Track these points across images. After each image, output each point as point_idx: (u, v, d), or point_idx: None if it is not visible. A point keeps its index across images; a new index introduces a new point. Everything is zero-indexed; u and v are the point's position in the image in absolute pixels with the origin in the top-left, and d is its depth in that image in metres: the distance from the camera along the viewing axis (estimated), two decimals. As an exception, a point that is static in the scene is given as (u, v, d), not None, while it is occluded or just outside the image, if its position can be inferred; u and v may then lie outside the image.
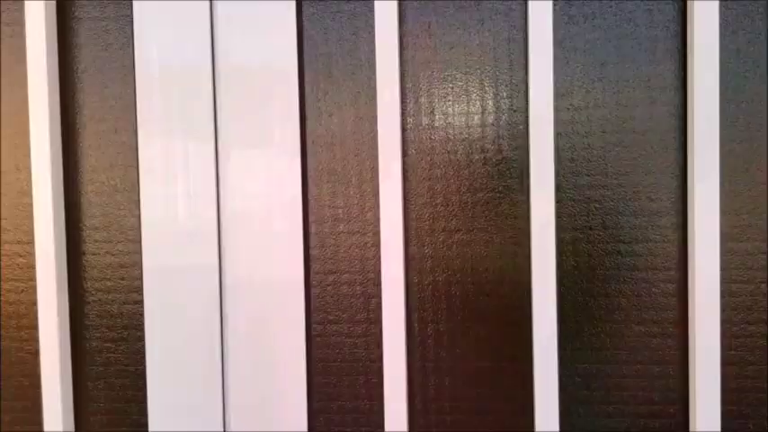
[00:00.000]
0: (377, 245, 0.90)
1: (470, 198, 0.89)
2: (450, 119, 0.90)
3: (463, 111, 0.89)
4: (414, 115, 0.90)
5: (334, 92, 0.91)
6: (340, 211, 0.91)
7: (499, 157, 0.89)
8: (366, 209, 0.91)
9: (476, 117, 0.89)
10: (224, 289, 0.90)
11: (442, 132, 0.90)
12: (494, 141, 0.89)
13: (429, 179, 0.90)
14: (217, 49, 0.90)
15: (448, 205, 0.90)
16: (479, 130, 0.89)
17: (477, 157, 0.89)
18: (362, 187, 0.91)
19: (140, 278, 0.93)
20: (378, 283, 0.91)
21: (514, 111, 0.89)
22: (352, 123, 0.91)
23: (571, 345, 0.88)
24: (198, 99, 0.89)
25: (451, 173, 0.90)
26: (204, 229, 0.89)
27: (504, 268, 0.89)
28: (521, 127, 0.89)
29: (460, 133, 0.90)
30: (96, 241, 0.95)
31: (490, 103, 0.89)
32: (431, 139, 0.90)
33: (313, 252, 0.92)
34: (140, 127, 0.91)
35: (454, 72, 0.90)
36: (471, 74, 0.89)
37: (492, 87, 0.89)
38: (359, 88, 0.91)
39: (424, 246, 0.90)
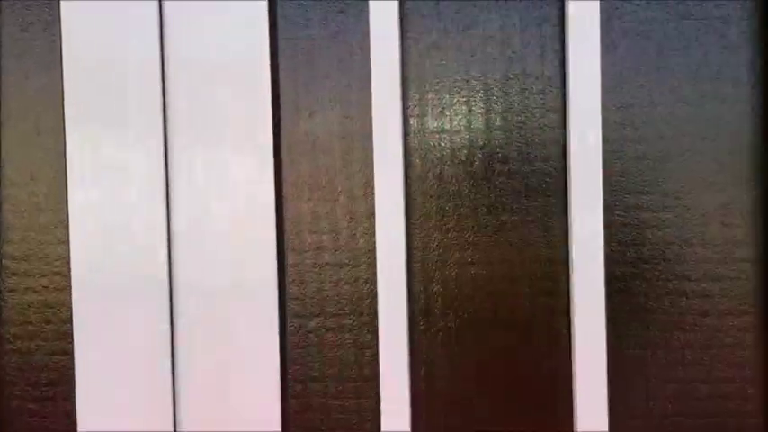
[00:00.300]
0: (372, 280, 0.71)
1: (491, 221, 0.70)
2: (464, 120, 0.70)
3: (481, 109, 0.70)
4: (418, 115, 0.71)
5: (317, 85, 0.71)
6: (325, 237, 0.72)
7: (528, 168, 0.70)
8: (358, 234, 0.71)
9: (498, 118, 0.70)
10: (176, 334, 0.70)
11: (454, 137, 0.71)
12: (521, 149, 0.70)
13: (438, 197, 0.71)
14: (166, 27, 0.69)
15: (462, 230, 0.71)
16: (502, 134, 0.70)
17: (499, 169, 0.70)
18: (353, 207, 0.71)
19: (70, 321, 0.73)
20: (374, 330, 0.71)
21: (547, 110, 0.70)
22: (339, 125, 0.71)
23: (624, 411, 0.69)
24: (142, 92, 0.69)
25: (467, 189, 0.70)
26: (149, 259, 0.70)
27: (536, 312, 0.70)
28: (556, 131, 0.70)
29: (478, 138, 0.70)
30: (15, 275, 0.75)
31: (516, 100, 0.70)
32: (440, 145, 0.71)
33: (290, 289, 0.72)
34: (69, 128, 0.71)
35: (470, 60, 0.70)
36: (491, 63, 0.70)
37: (518, 80, 0.70)
38: (348, 80, 0.71)
39: (432, 282, 0.71)
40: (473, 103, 0.70)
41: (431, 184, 0.71)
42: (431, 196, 0.71)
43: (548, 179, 0.70)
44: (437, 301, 0.71)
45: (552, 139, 0.70)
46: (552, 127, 0.70)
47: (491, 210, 0.71)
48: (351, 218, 0.72)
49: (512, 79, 0.70)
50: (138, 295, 0.70)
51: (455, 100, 0.71)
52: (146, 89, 0.69)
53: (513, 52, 0.70)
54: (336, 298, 0.72)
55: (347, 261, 0.72)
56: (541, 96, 0.70)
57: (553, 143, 0.70)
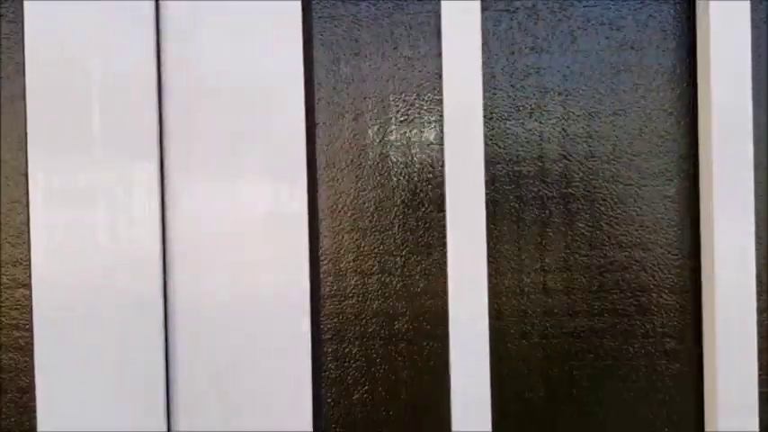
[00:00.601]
0: (439, 338, 0.53)
1: (594, 259, 0.53)
2: (559, 125, 0.53)
3: (582, 111, 0.54)
4: (506, 117, 0.53)
5: (365, 79, 0.54)
6: (373, 279, 0.54)
7: (644, 191, 0.53)
8: (418, 276, 0.54)
9: (603, 123, 0.53)
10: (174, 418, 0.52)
11: (546, 147, 0.54)
12: (633, 163, 0.53)
13: (523, 225, 0.53)
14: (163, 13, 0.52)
15: (556, 269, 0.53)
16: (609, 144, 0.53)
17: (604, 191, 0.53)
18: (413, 238, 0.54)
19: (32, 390, 0.55)
20: (444, 410, 0.53)
21: (670, 113, 0.53)
22: (395, 131, 0.54)
23: None
24: (133, 96, 0.52)
25: (559, 216, 0.53)
26: (138, 316, 0.52)
27: (655, 391, 0.53)
28: (682, 140, 0.53)
29: (577, 149, 0.53)
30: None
31: (628, 99, 0.53)
32: (526, 158, 0.53)
33: (327, 349, 0.54)
34: (32, 145, 0.53)
35: (567, 47, 0.54)
36: (595, 51, 0.54)
37: (631, 74, 0.53)
38: (408, 72, 0.54)
39: (520, 339, 0.53)
40: (571, 103, 0.53)
41: (512, 208, 0.54)
42: (513, 224, 0.54)
43: (670, 204, 0.53)
44: (527, 371, 0.54)
45: (676, 151, 0.53)
46: (677, 135, 0.53)
47: (594, 243, 0.53)
48: (409, 253, 0.54)
49: (622, 72, 0.53)
50: (118, 363, 0.51)
51: (548, 99, 0.54)
52: (137, 91, 0.52)
53: (624, 37, 0.53)
54: (389, 361, 0.54)
55: (403, 310, 0.54)
56: (661, 94, 0.53)
57: (677, 156, 0.53)
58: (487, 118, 0.53)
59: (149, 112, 0.52)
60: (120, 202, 0.52)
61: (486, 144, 0.53)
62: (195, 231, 0.52)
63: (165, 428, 0.52)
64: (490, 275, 0.53)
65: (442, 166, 0.53)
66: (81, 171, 0.52)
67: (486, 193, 0.53)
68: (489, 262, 0.53)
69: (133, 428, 0.52)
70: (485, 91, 0.53)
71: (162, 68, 0.52)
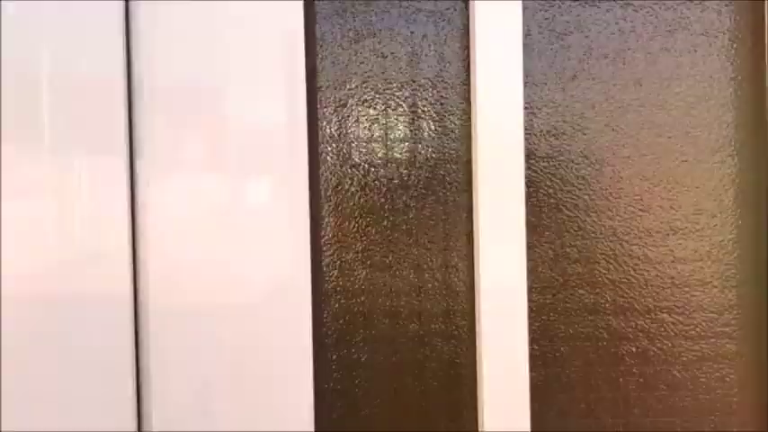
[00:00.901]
0: (465, 340, 0.45)
1: (640, 247, 0.45)
2: (622, 85, 0.45)
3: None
4: (544, 82, 0.45)
5: (376, 31, 0.45)
6: (385, 273, 0.46)
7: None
8: (438, 272, 0.45)
9: (655, 93, 0.45)
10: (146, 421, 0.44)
11: (605, 112, 0.45)
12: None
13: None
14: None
15: (591, 261, 0.45)
16: (666, 115, 0.45)
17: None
18: (432, 226, 0.45)
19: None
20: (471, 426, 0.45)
21: (732, 78, 0.46)
22: (413, 96, 0.45)
23: None
24: (99, 97, 0.43)
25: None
26: (107, 313, 0.42)
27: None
28: (738, 109, 0.45)
29: (627, 118, 0.45)
30: None
31: (685, 62, 0.45)
32: (584, 127, 0.45)
33: (331, 356, 0.46)
34: (5, 141, 0.44)
35: (618, 13, 0.45)
36: (647, 12, 0.45)
37: (685, 33, 0.45)
38: (430, 23, 0.45)
39: (557, 339, 0.46)
40: (619, 65, 0.46)
41: (549, 188, 0.46)
42: (550, 208, 0.46)
43: (731, 182, 0.46)
44: (566, 378, 0.46)
45: (740, 122, 0.46)
46: (741, 102, 0.46)
47: (644, 229, 0.46)
48: (428, 242, 0.46)
49: (679, 30, 0.46)
50: (92, 367, 0.42)
51: (593, 61, 0.45)
52: (106, 86, 0.42)
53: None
54: (403, 368, 0.46)
55: (420, 309, 0.46)
56: (723, 57, 0.46)
57: (742, 127, 0.46)
58: (536, 99, 0.45)
59: (118, 107, 0.43)
60: (89, 196, 0.43)
61: (529, 131, 0.45)
62: (174, 225, 0.43)
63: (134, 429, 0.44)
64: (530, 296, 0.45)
65: (470, 138, 0.45)
66: (49, 166, 0.43)
67: (531, 199, 0.45)
68: (530, 286, 0.44)
69: (102, 428, 0.43)
70: (529, 50, 0.44)
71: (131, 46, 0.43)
